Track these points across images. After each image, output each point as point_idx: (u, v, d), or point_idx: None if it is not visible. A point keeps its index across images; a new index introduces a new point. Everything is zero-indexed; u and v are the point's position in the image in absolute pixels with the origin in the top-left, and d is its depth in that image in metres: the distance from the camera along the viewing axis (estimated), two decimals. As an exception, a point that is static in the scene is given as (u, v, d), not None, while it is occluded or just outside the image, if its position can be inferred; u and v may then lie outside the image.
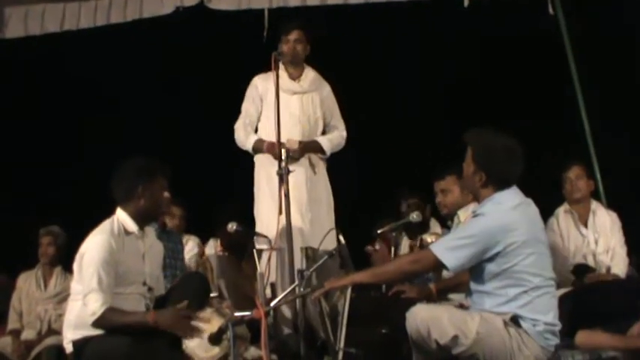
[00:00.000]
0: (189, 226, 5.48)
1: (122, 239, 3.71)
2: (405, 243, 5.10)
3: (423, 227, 4.98)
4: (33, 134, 6.80)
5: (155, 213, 3.90)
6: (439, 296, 3.97)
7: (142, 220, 3.80)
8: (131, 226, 3.75)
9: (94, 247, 3.63)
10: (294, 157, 4.40)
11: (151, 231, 3.99)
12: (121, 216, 3.77)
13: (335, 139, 4.71)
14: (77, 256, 3.70)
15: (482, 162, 3.34)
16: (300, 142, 4.51)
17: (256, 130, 4.70)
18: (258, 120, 4.69)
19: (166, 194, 4.56)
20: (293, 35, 4.59)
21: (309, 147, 4.58)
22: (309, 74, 4.72)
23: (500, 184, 3.33)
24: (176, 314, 3.58)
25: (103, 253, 3.60)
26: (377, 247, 5.41)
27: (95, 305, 3.55)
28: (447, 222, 4.69)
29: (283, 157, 4.17)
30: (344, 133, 4.77)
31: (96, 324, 3.57)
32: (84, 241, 3.72)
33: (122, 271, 3.67)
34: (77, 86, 6.74)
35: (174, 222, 5.23)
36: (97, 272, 3.56)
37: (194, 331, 3.56)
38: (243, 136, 4.63)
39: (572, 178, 4.87)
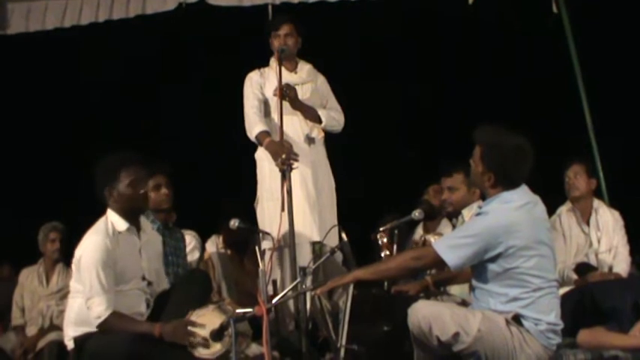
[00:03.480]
0: (191, 222, 5.46)
1: (116, 237, 3.71)
2: (418, 233, 5.09)
3: (436, 219, 4.97)
4: (34, 130, 6.80)
5: (136, 207, 3.82)
6: (436, 288, 3.97)
7: (127, 216, 3.78)
8: (120, 224, 3.75)
9: (90, 249, 3.65)
10: (290, 102, 4.38)
11: (147, 224, 3.98)
12: (110, 215, 3.78)
13: (332, 113, 4.67)
14: (74, 258, 3.72)
15: (491, 162, 3.31)
16: (297, 98, 4.45)
17: None
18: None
19: (164, 190, 4.58)
20: (283, 30, 4.57)
21: (305, 107, 4.53)
22: (304, 66, 4.72)
23: (509, 184, 3.31)
24: (180, 326, 3.57)
25: (100, 254, 3.61)
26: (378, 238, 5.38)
27: (99, 309, 3.57)
28: (451, 220, 4.69)
29: (284, 156, 4.17)
30: (342, 115, 4.72)
31: (101, 327, 3.59)
32: (80, 242, 3.73)
33: (120, 270, 3.68)
34: (78, 83, 6.75)
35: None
36: (97, 275, 3.58)
37: (197, 340, 3.56)
38: (253, 122, 4.52)
39: (571, 175, 4.86)
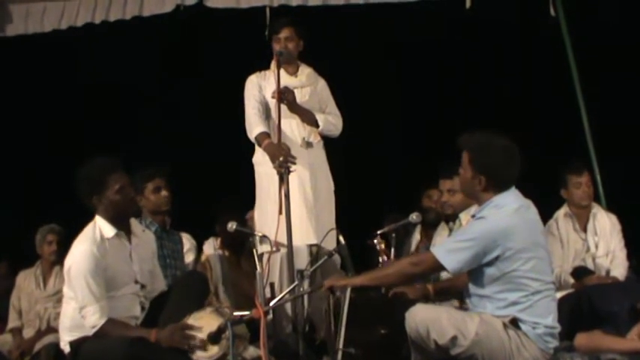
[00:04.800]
0: (189, 225, 5.46)
1: (104, 244, 3.71)
2: (415, 238, 5.09)
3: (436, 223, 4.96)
4: (32, 131, 6.79)
5: (126, 212, 3.82)
6: (437, 296, 3.97)
7: (116, 222, 3.77)
8: (108, 230, 3.74)
9: (78, 258, 3.64)
10: (288, 106, 4.37)
11: (138, 227, 3.97)
12: (99, 221, 3.77)
13: (330, 118, 4.66)
14: (65, 267, 3.72)
15: (480, 166, 3.32)
16: (295, 102, 4.44)
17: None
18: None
19: (164, 193, 4.58)
20: (283, 33, 4.57)
21: (303, 110, 4.52)
22: (305, 70, 4.72)
23: (501, 187, 3.32)
24: (176, 332, 3.57)
25: (88, 263, 3.60)
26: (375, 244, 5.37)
27: (93, 318, 3.59)
28: (448, 223, 4.68)
29: (282, 158, 4.17)
30: (340, 120, 4.72)
31: (97, 335, 3.59)
32: (69, 251, 3.73)
33: (110, 276, 3.68)
34: (76, 85, 6.74)
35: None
36: (87, 284, 3.58)
37: (195, 344, 3.55)
38: (253, 122, 4.51)
39: (583, 183, 4.84)
